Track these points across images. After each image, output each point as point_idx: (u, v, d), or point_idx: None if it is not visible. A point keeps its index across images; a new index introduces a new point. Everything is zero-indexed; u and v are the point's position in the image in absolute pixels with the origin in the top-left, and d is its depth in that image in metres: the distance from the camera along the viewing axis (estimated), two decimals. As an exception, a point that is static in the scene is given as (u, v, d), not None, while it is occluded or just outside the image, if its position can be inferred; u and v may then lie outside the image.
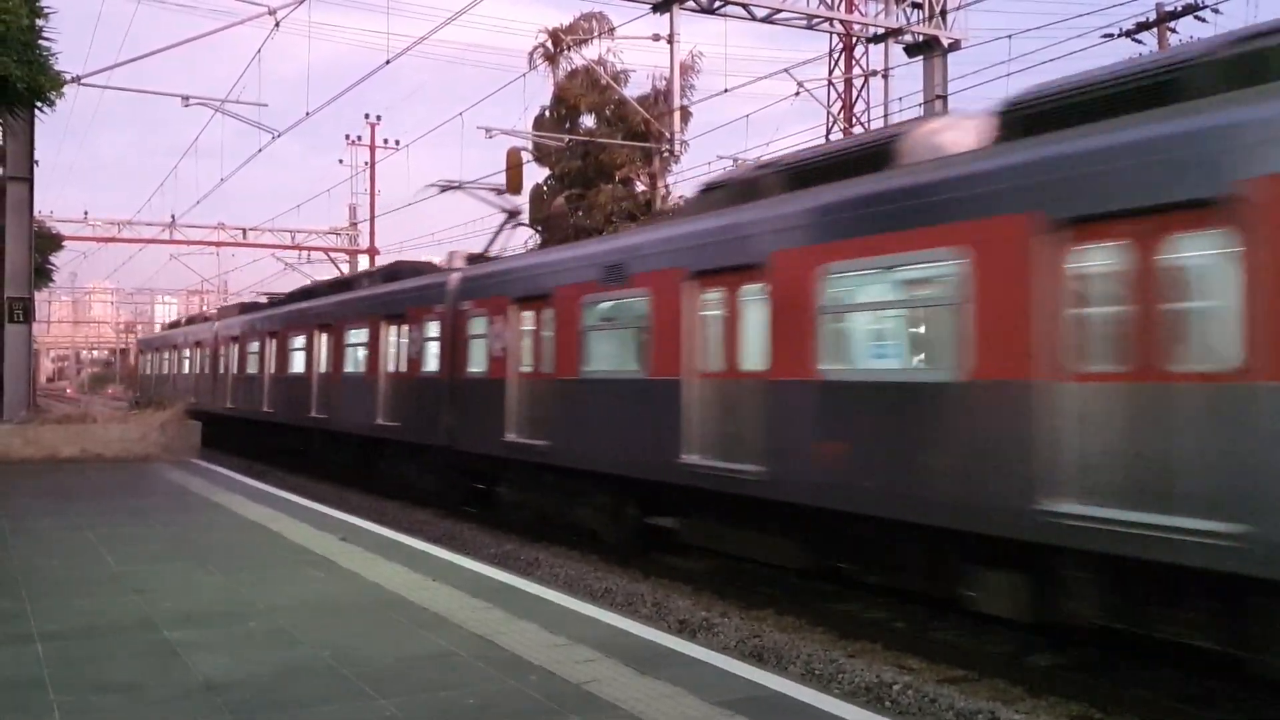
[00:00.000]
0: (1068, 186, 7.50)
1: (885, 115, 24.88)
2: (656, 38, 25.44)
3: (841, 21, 26.23)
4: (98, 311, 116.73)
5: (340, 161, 51.71)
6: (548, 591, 8.75)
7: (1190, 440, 6.69)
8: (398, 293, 19.48)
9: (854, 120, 30.14)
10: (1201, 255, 6.96)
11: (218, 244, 50.82)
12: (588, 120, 33.81)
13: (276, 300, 30.43)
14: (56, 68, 12.54)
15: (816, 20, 24.90)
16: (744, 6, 23.02)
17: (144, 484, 16.69)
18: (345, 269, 47.85)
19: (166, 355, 40.85)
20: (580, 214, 32.22)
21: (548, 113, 34.33)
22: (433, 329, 17.45)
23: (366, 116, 51.49)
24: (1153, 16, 25.57)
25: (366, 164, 51.18)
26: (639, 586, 11.65)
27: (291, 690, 5.81)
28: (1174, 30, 25.73)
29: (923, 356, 9.28)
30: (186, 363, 36.75)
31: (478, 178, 23.56)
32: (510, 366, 14.88)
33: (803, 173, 10.78)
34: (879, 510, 8.89)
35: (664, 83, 28.85)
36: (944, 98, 23.43)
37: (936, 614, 9.60)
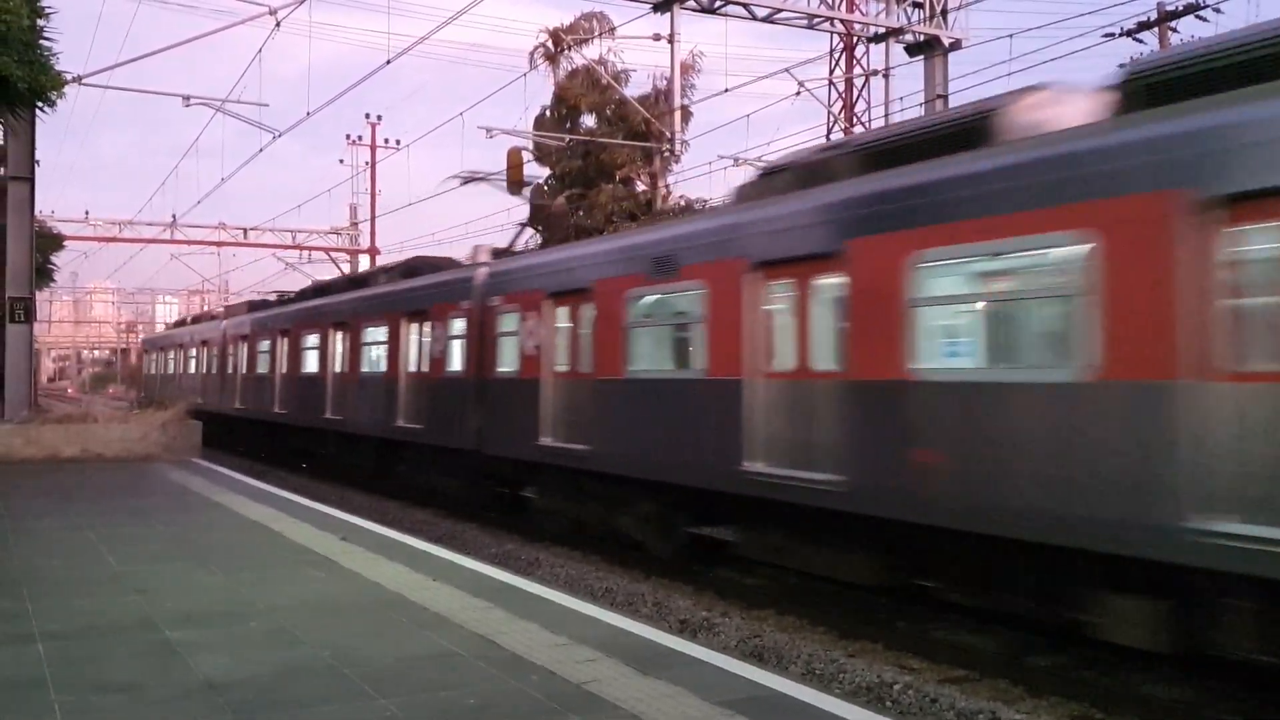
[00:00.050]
0: (1223, 160, 6.63)
1: (886, 115, 24.87)
2: (657, 37, 25.42)
3: (842, 21, 26.22)
4: (99, 311, 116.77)
5: (341, 161, 51.77)
6: (548, 591, 8.75)
7: None
8: (420, 289, 18.65)
9: (855, 120, 30.14)
10: None
11: (218, 244, 50.84)
12: (588, 120, 33.82)
13: (288, 298, 29.66)
14: (57, 68, 12.54)
15: (817, 20, 24.88)
16: (744, 6, 23.01)
17: (145, 484, 16.69)
18: (346, 269, 47.87)
19: (172, 355, 40.08)
20: (580, 214, 32.21)
21: (548, 112, 34.32)
22: (458, 326, 16.67)
23: (367, 116, 51.53)
24: (1154, 16, 25.57)
25: (367, 164, 51.23)
26: (640, 586, 11.65)
27: (292, 690, 5.81)
28: (1175, 30, 25.74)
29: (1038, 355, 8.18)
30: (193, 362, 35.98)
31: (499, 170, 23.12)
32: (545, 366, 14.03)
33: (881, 152, 9.81)
34: (984, 527, 7.96)
35: (664, 82, 28.85)
36: (945, 97, 23.41)
37: (937, 614, 9.59)
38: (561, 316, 13.93)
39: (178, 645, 6.70)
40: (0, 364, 21.69)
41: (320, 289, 26.72)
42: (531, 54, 33.66)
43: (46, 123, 32.33)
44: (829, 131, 30.76)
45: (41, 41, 12.34)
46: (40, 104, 12.86)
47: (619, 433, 12.41)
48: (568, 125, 33.56)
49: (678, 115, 26.03)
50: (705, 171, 49.04)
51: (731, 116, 61.77)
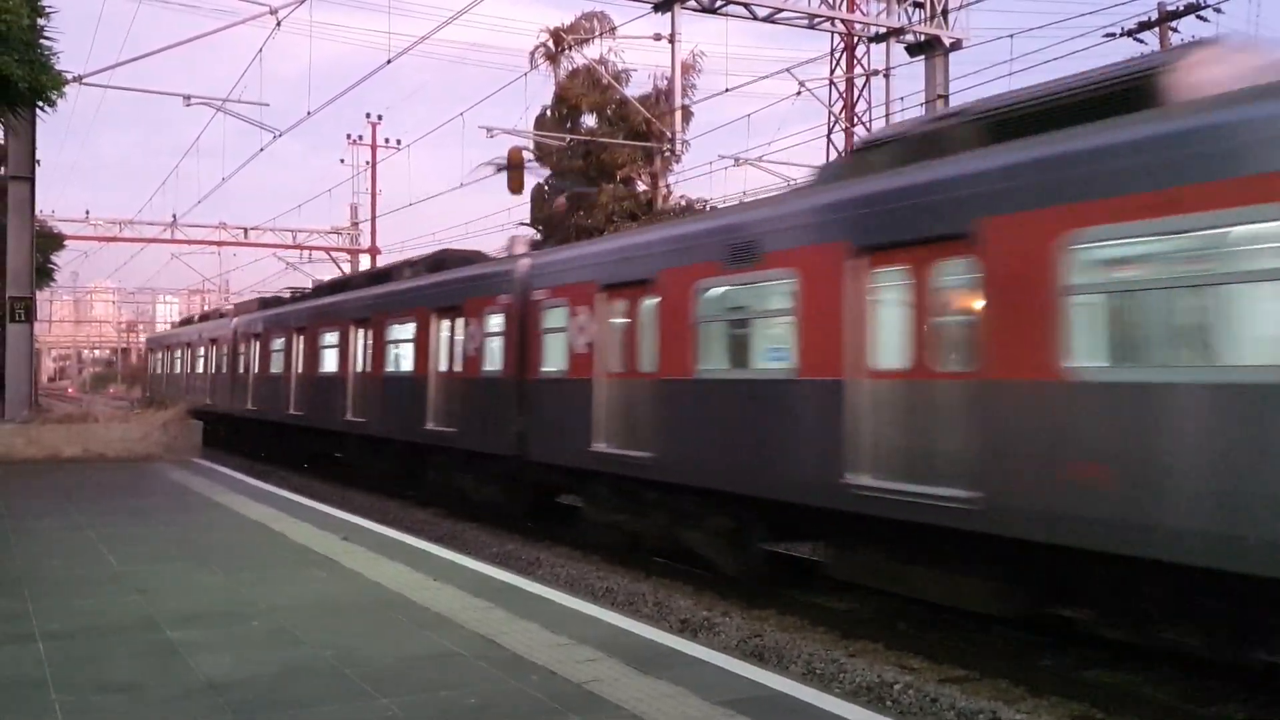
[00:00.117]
0: None
1: (887, 115, 24.86)
2: (658, 37, 25.41)
3: (843, 21, 26.21)
4: (99, 311, 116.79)
5: (341, 161, 51.78)
6: (549, 591, 8.75)
7: None
8: (451, 283, 17.47)
9: (855, 120, 30.15)
10: None
11: (219, 243, 50.85)
12: (589, 120, 33.83)
13: (303, 294, 28.69)
14: (58, 67, 12.53)
15: (818, 20, 24.86)
16: (745, 6, 22.99)
17: (146, 484, 16.69)
18: (346, 268, 47.89)
19: (179, 354, 38.88)
20: (581, 214, 32.23)
21: (549, 112, 34.35)
22: (496, 322, 15.51)
23: (368, 116, 51.48)
24: (1154, 16, 25.57)
25: (368, 163, 51.22)
26: (640, 586, 11.65)
27: (293, 690, 5.81)
28: (1175, 30, 25.74)
29: (1241, 351, 6.85)
30: (201, 361, 34.76)
31: (529, 160, 22.88)
32: (598, 365, 12.86)
33: (1013, 120, 8.60)
34: (1159, 552, 6.80)
35: (665, 82, 28.87)
36: (945, 97, 23.41)
37: (938, 614, 9.59)
38: (617, 311, 12.70)
39: (178, 645, 6.70)
40: (1, 364, 21.70)
41: (338, 284, 25.56)
42: (532, 54, 33.72)
43: (47, 122, 32.37)
44: (829, 131, 30.78)
45: (42, 41, 12.33)
46: (41, 104, 12.85)
47: (687, 439, 11.26)
48: (568, 125, 33.58)
49: (678, 115, 26.02)
50: (706, 171, 49.01)
51: (732, 116, 61.87)
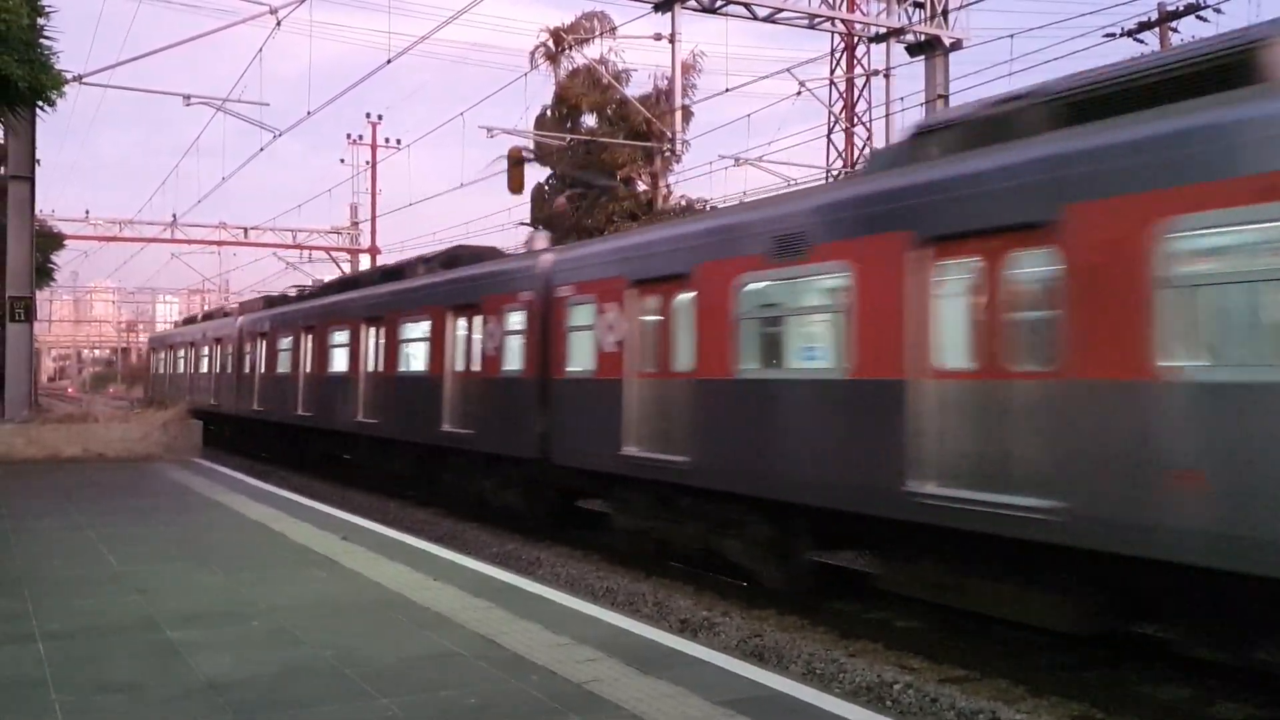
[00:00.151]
0: None
1: (887, 115, 24.88)
2: (658, 37, 25.43)
3: (843, 21, 26.23)
4: (99, 311, 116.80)
5: (341, 161, 51.80)
6: (549, 591, 8.75)
7: None
8: (468, 279, 16.89)
9: (855, 120, 30.16)
10: None
11: (219, 243, 50.88)
12: (589, 120, 33.84)
13: (311, 292, 28.11)
14: (58, 67, 12.53)
15: (818, 20, 24.88)
16: (745, 6, 23.00)
17: (146, 484, 16.69)
18: (346, 268, 47.90)
19: (182, 353, 38.04)
20: (581, 213, 32.24)
21: (549, 112, 34.36)
22: (516, 320, 14.88)
23: (368, 116, 51.51)
24: (1154, 16, 25.58)
25: (368, 163, 51.25)
26: (640, 586, 11.65)
27: (293, 690, 5.81)
28: (1175, 30, 25.75)
29: None
30: (205, 361, 33.94)
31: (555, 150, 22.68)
32: (628, 364, 12.22)
33: (1094, 100, 7.98)
34: (1268, 569, 6.29)
35: (665, 82, 28.87)
36: (945, 97, 23.42)
37: (938, 614, 9.59)
38: (650, 308, 12.06)
39: (179, 645, 6.70)
40: (1, 363, 21.70)
41: (347, 282, 24.86)
42: (532, 53, 33.73)
43: (47, 122, 32.43)
44: (829, 132, 30.80)
45: (42, 41, 12.33)
46: (40, 103, 12.84)
47: (727, 443, 10.62)
48: (568, 125, 33.59)
49: (679, 115, 26.03)
50: (706, 171, 49.03)
51: (732, 116, 61.91)
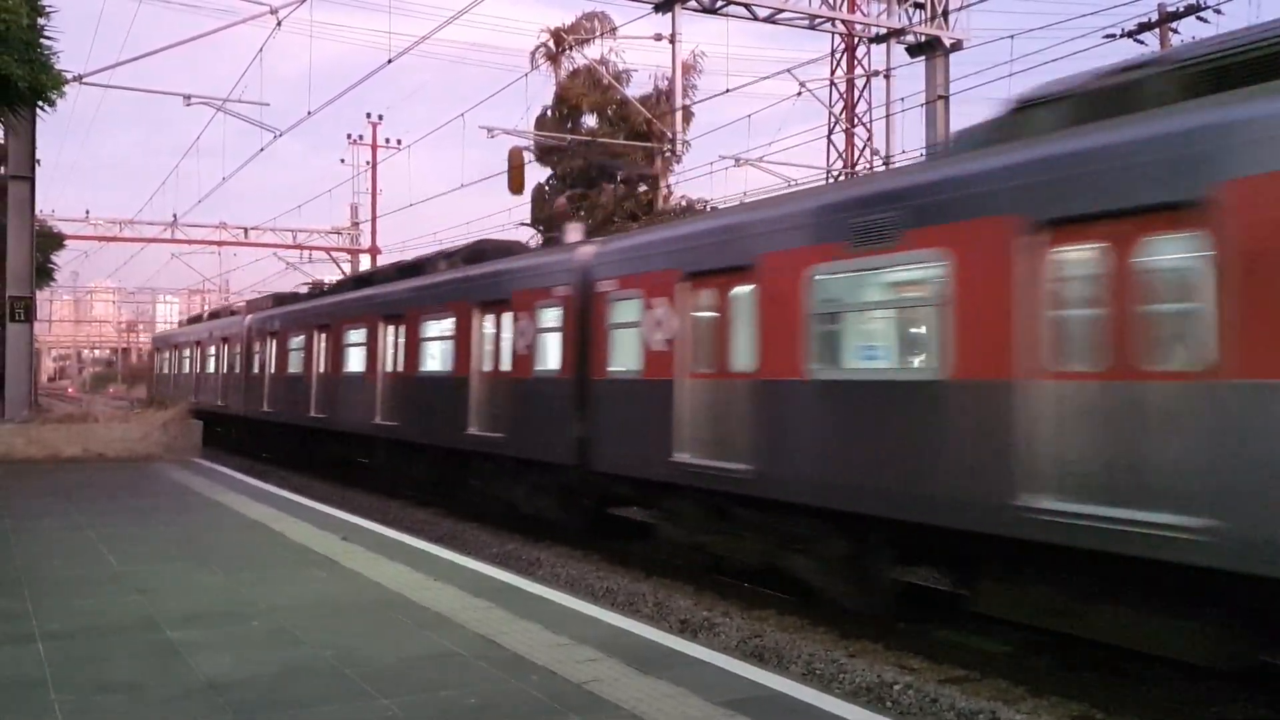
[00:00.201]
0: None
1: (887, 116, 24.90)
2: (658, 37, 25.45)
3: (843, 22, 26.23)
4: (99, 311, 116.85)
5: (342, 161, 51.81)
6: (549, 591, 8.75)
7: None
8: (498, 273, 15.88)
9: (856, 120, 30.17)
10: None
11: (219, 243, 50.89)
12: (589, 120, 33.87)
13: (324, 289, 27.32)
14: (58, 67, 12.54)
15: (818, 20, 24.88)
16: (746, 6, 23.01)
17: (146, 484, 16.69)
18: (347, 269, 47.91)
19: (187, 353, 36.92)
20: (582, 214, 32.24)
21: (549, 112, 34.42)
22: (551, 317, 14.01)
23: (368, 116, 51.47)
24: (1155, 17, 25.59)
25: (368, 163, 51.25)
26: (640, 586, 11.64)
27: (293, 690, 5.81)
28: (1176, 31, 25.75)
29: None
30: (212, 361, 32.82)
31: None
32: (680, 364, 11.32)
33: (1237, 65, 7.21)
34: None
35: (666, 82, 28.92)
36: (946, 98, 23.43)
37: (938, 614, 9.59)
38: (704, 302, 11.17)
39: (179, 645, 6.70)
40: (1, 363, 21.71)
41: (363, 279, 23.81)
42: (533, 54, 33.82)
43: (47, 122, 32.45)
44: (829, 132, 30.80)
45: (42, 41, 12.34)
46: (41, 103, 12.86)
47: (797, 450, 9.71)
48: (569, 125, 33.62)
49: (679, 115, 26.04)
50: (707, 172, 49.06)
51: (733, 117, 61.93)
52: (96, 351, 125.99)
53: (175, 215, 47.23)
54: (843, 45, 30.22)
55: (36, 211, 23.54)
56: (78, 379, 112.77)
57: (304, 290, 30.25)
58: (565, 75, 34.01)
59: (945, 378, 8.27)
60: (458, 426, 16.00)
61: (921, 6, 24.02)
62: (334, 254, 50.77)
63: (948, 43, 23.79)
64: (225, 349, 31.20)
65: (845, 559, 9.63)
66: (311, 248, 50.41)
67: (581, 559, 13.41)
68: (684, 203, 29.44)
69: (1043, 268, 7.58)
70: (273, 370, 26.30)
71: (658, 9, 22.97)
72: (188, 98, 27.27)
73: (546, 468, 14.08)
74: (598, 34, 33.01)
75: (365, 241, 51.20)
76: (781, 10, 23.60)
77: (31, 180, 21.86)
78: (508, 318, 15.18)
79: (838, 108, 30.72)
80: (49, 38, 12.59)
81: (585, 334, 13.21)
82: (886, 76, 24.98)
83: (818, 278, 9.55)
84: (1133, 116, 7.40)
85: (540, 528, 14.94)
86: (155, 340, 52.02)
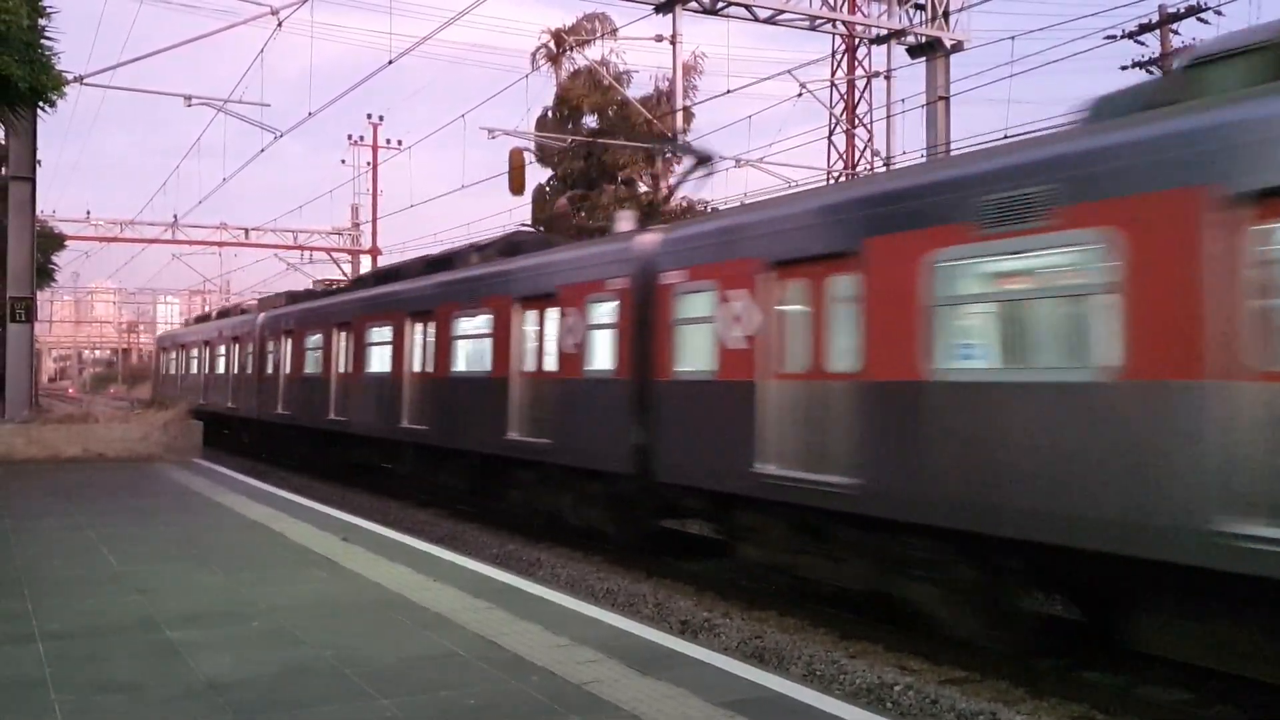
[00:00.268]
0: None
1: (888, 117, 24.91)
2: (659, 38, 25.50)
3: (844, 23, 26.24)
4: (100, 311, 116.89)
5: (343, 162, 51.85)
6: (550, 592, 8.75)
7: None
8: (543, 267, 14.81)
9: (856, 121, 30.18)
10: None
11: (220, 244, 50.90)
12: (590, 121, 33.89)
13: (343, 286, 26.30)
14: (59, 67, 12.54)
15: (819, 21, 24.90)
16: (746, 7, 23.02)
17: (146, 484, 16.68)
18: (348, 269, 47.95)
19: (195, 353, 35.62)
20: (583, 215, 32.25)
21: (550, 113, 34.42)
22: (604, 312, 12.96)
23: (369, 117, 51.56)
24: (1155, 18, 25.60)
25: (369, 164, 51.28)
26: (641, 587, 11.64)
27: (293, 690, 5.81)
28: (1176, 32, 25.78)
29: None
30: (221, 361, 31.64)
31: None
32: (763, 363, 10.21)
33: None
34: None
35: (666, 83, 28.93)
36: (946, 99, 23.43)
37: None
38: (793, 294, 10.05)
39: (179, 645, 6.70)
40: (1, 364, 21.72)
41: (387, 274, 22.58)
42: (534, 55, 33.83)
43: (48, 122, 32.46)
44: (830, 133, 30.83)
45: (43, 41, 12.34)
46: (41, 104, 12.86)
47: (917, 462, 8.50)
48: (570, 126, 33.63)
49: (680, 116, 26.05)
50: (707, 172, 49.03)
51: (733, 118, 61.90)
52: (97, 352, 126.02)
53: (176, 216, 47.34)
54: (843, 46, 30.27)
55: (37, 212, 23.54)
56: (78, 379, 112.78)
57: (320, 287, 29.39)
58: (566, 76, 34.03)
59: (1114, 379, 7.09)
60: (496, 431, 15.00)
61: (922, 7, 24.03)
62: (335, 255, 50.82)
63: (948, 44, 23.80)
64: (236, 349, 30.09)
65: (978, 589, 8.43)
66: (312, 248, 50.47)
67: (582, 560, 13.40)
68: (684, 203, 29.46)
69: (1244, 248, 6.43)
70: (288, 371, 25.35)
71: (658, 10, 23.00)
72: (189, 98, 27.30)
73: (598, 476, 13.03)
74: (598, 35, 33.03)
75: (366, 242, 51.25)
76: (782, 11, 23.62)
77: (32, 181, 21.87)
78: (553, 314, 14.09)
79: (838, 109, 30.76)
80: (50, 38, 12.61)
81: (646, 331, 12.10)
82: (887, 77, 25.00)
83: (941, 264, 8.34)
84: None
85: (541, 528, 14.91)
86: (160, 340, 50.43)
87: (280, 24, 22.66)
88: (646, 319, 12.05)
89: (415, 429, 17.76)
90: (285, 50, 26.83)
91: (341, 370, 21.77)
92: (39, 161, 22.55)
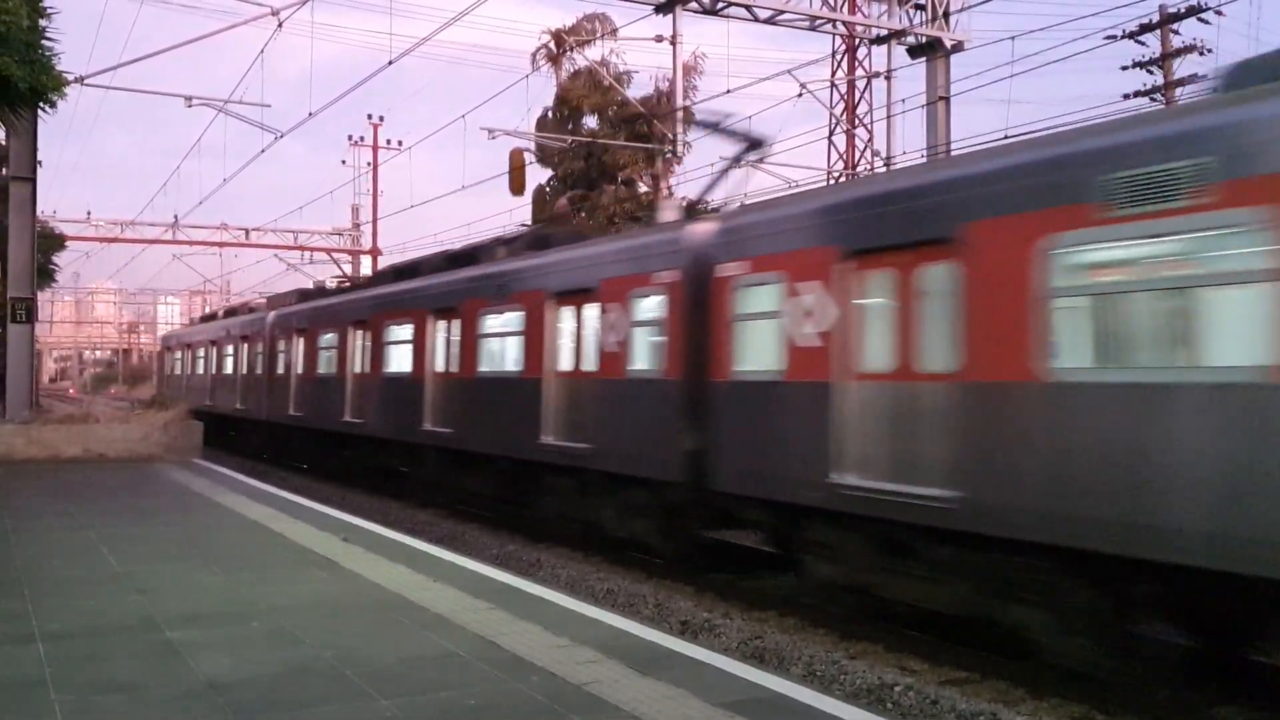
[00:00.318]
0: None
1: (888, 117, 24.90)
2: (659, 39, 25.47)
3: (844, 23, 26.22)
4: (100, 311, 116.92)
5: (343, 162, 51.80)
6: (550, 592, 8.75)
7: None
8: (580, 260, 13.99)
9: (857, 122, 30.18)
10: None
11: (220, 244, 50.86)
12: (590, 121, 33.91)
13: (358, 283, 25.57)
14: (59, 68, 12.54)
15: (819, 21, 24.87)
16: (746, 8, 23.00)
17: (146, 484, 16.69)
18: (348, 269, 47.93)
19: (201, 353, 34.80)
20: (583, 215, 32.26)
21: (550, 114, 34.43)
22: (651, 307, 12.09)
23: (369, 117, 51.50)
24: (1155, 18, 25.60)
25: (369, 165, 51.27)
26: (641, 588, 11.64)
27: (293, 690, 5.82)
28: (1177, 32, 25.78)
29: None
30: (229, 361, 30.75)
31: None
32: (839, 363, 9.32)
33: None
34: None
35: (666, 84, 28.93)
36: (947, 99, 23.42)
37: (938, 615, 9.56)
38: (874, 286, 9.18)
39: (179, 645, 6.70)
40: (1, 364, 21.72)
41: (406, 270, 21.67)
42: (534, 55, 33.85)
43: (48, 123, 32.39)
44: (830, 133, 30.83)
45: (43, 41, 12.35)
46: (41, 104, 12.86)
47: (1031, 474, 7.57)
48: (570, 127, 33.64)
49: (680, 117, 26.04)
50: (707, 173, 49.06)
51: (734, 118, 61.64)
52: (98, 352, 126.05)
53: (176, 216, 47.32)
54: (843, 46, 30.27)
55: (38, 212, 23.54)
56: (79, 380, 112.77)
57: (333, 285, 28.85)
58: (566, 76, 34.04)
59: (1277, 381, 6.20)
60: (528, 435, 14.15)
61: (922, 8, 24.01)
62: (335, 255, 50.81)
63: (948, 44, 23.78)
64: (245, 348, 29.19)
65: (1093, 613, 7.59)
66: (313, 249, 50.44)
67: (582, 560, 13.40)
68: (684, 203, 29.44)
69: None
70: (300, 371, 24.54)
71: (658, 10, 22.97)
72: (189, 99, 27.32)
73: (645, 484, 12.11)
74: (598, 35, 33.04)
75: (366, 243, 51.24)
76: (782, 11, 23.59)
77: (33, 181, 21.87)
78: (592, 310, 13.20)
79: (838, 109, 30.76)
80: (50, 39, 12.61)
81: (700, 328, 11.20)
82: (887, 78, 24.96)
83: (1059, 250, 7.44)
84: None
85: (541, 529, 14.91)
86: (164, 339, 49.12)
87: (280, 24, 22.69)
88: (700, 315, 11.17)
89: (438, 432, 17.04)
90: (285, 51, 26.86)
91: (358, 370, 21.05)
92: (39, 162, 22.57)
